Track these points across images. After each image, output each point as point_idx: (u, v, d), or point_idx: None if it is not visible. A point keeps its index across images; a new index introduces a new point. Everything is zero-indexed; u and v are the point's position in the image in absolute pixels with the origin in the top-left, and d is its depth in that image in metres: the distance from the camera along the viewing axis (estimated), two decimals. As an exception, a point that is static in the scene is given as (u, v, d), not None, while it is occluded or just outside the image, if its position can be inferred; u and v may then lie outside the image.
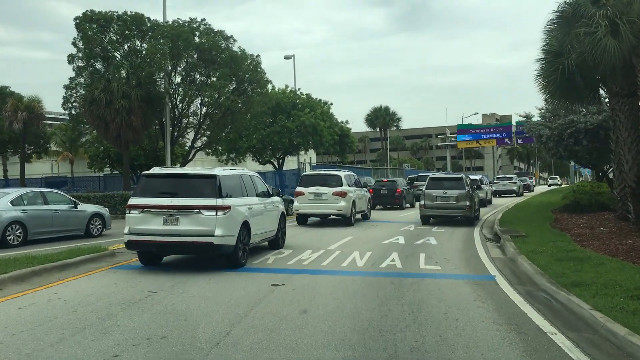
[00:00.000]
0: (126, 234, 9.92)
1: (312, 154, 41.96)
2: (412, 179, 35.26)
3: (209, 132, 28.34)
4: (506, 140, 66.91)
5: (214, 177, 9.89)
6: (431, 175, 21.97)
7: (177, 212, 9.49)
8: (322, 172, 21.01)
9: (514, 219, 19.69)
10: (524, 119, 24.16)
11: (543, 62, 14.32)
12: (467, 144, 69.55)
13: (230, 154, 36.61)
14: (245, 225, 10.36)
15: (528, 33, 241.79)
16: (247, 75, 25.86)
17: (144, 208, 9.68)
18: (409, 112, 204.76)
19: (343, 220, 18.95)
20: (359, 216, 20.68)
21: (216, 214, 9.46)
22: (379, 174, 41.67)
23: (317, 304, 7.31)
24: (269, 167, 38.62)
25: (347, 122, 38.25)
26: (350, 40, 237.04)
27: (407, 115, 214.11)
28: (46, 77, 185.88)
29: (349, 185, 19.32)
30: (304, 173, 20.96)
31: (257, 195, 11.75)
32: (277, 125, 33.95)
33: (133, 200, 9.96)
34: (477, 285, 8.62)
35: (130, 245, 10.03)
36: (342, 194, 18.62)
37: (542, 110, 23.66)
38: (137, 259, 10.95)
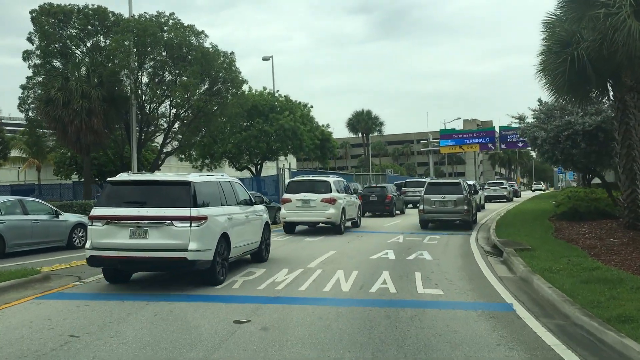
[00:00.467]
0: (88, 249, 8.81)
1: (292, 159, 40.03)
2: (399, 185, 34.25)
3: (180, 136, 26.26)
4: (489, 145, 65.89)
5: (187, 183, 8.88)
6: (429, 180, 22.35)
7: (146, 224, 8.52)
8: (311, 177, 20.05)
9: (510, 227, 18.14)
10: (516, 120, 22.68)
11: (548, 54, 12.71)
12: (450, 149, 68.36)
13: (205, 159, 34.57)
14: (225, 238, 9.41)
15: (506, 40, 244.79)
16: (220, 74, 23.89)
17: (108, 219, 8.67)
18: (390, 119, 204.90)
19: (332, 228, 18.10)
20: (349, 224, 19.84)
21: (190, 226, 8.49)
22: (361, 180, 40.02)
23: (291, 357, 5.46)
24: (246, 174, 36.67)
25: (328, 125, 36.66)
26: (331, 47, 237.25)
27: (388, 122, 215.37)
28: (12, 81, 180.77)
29: (338, 192, 18.51)
30: (292, 179, 19.81)
31: (238, 203, 10.74)
32: (254, 129, 32.06)
33: (96, 211, 8.89)
34: (494, 319, 6.84)
35: (92, 261, 8.87)
36: (332, 201, 17.81)
37: (536, 112, 22.17)
38: (75, 284, 9.07)
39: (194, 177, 9.32)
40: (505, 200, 42.53)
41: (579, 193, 25.50)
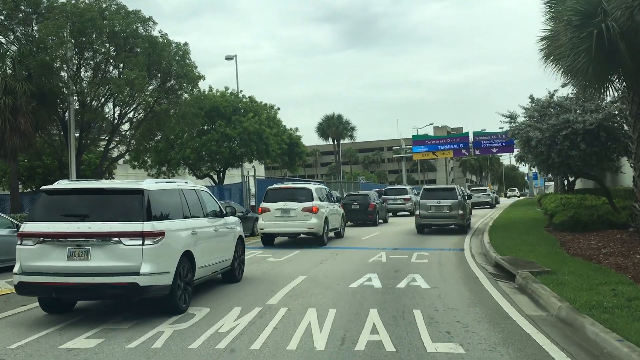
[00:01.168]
0: (16, 274, 7.22)
1: (259, 166, 36.97)
2: (379, 192, 32.20)
3: (129, 139, 23.10)
4: (463, 151, 64.17)
5: (140, 192, 7.45)
6: (425, 186, 22.76)
7: (88, 242, 7.06)
8: (291, 185, 18.75)
9: (507, 239, 15.70)
10: (505, 120, 20.29)
11: (566, 28, 10.23)
12: (423, 155, 66.41)
13: (162, 166, 31.37)
14: (188, 257, 8.03)
15: (471, 51, 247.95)
16: (172, 68, 20.87)
17: (41, 237, 7.19)
18: (359, 127, 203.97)
19: (314, 239, 16.95)
20: (332, 234, 18.68)
21: (143, 244, 7.08)
22: (332, 188, 37.39)
23: None
24: (208, 182, 33.54)
25: (296, 129, 33.80)
26: (299, 56, 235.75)
27: (358, 130, 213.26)
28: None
29: (320, 200, 17.33)
30: (270, 187, 18.18)
31: (206, 215, 9.27)
32: (215, 133, 29.06)
33: (26, 227, 7.39)
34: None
35: (21, 289, 7.26)
36: (313, 210, 16.58)
37: (528, 110, 19.88)
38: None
39: (149, 183, 7.78)
40: (488, 206, 42.61)
41: (572, 200, 23.37)
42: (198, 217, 8.84)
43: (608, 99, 16.89)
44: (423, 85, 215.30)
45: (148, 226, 7.13)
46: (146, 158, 31.04)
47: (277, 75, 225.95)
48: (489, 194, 44.76)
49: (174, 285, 7.42)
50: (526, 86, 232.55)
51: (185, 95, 23.52)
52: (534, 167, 42.02)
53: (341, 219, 19.74)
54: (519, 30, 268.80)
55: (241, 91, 32.08)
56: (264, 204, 17.14)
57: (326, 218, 17.23)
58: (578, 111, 18.37)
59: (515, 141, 21.04)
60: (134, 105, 21.36)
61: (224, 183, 32.22)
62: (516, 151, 64.17)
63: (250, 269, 11.88)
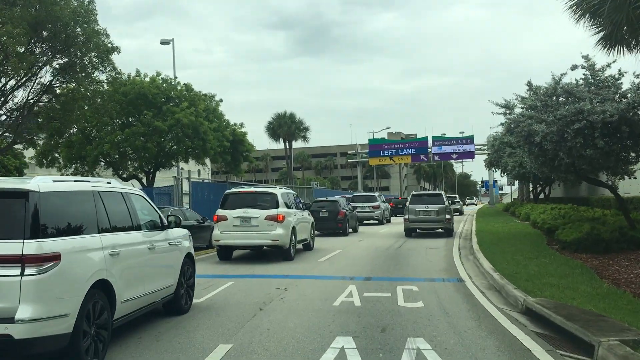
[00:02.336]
0: None
1: (195, 167, 31.73)
2: (347, 199, 29.10)
3: (18, 126, 17.76)
4: (422, 156, 61.01)
5: (23, 194, 5.17)
6: (414, 192, 23.62)
7: None
8: (252, 189, 16.92)
9: (512, 265, 11.62)
10: (499, 111, 16.22)
11: None
12: (379, 160, 62.86)
13: (77, 164, 25.90)
14: (104, 288, 5.72)
15: (422, 61, 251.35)
16: (71, 31, 15.72)
17: None
18: (312, 135, 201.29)
19: (280, 253, 14.78)
20: (300, 246, 16.36)
21: (22, 274, 4.85)
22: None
23: None
24: (136, 184, 28.20)
25: (241, 125, 28.93)
26: (252, 62, 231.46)
27: (311, 132, 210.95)
28: None
29: (287, 207, 15.21)
30: (228, 191, 15.86)
31: (138, 228, 6.86)
32: (141, 125, 23.94)
33: None
34: None
35: None
36: (279, 219, 14.41)
37: (528, 99, 15.91)
38: None
39: (42, 182, 5.43)
40: (458, 213, 42.28)
41: (570, 212, 19.73)
42: (125, 230, 6.60)
43: None
44: (376, 94, 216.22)
45: (31, 247, 4.93)
46: (57, 154, 25.55)
47: (230, 81, 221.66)
48: (459, 201, 44.72)
49: (77, 334, 5.20)
50: (473, 98, 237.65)
51: (97, 73, 18.43)
52: (504, 174, 39.09)
53: (311, 229, 17.38)
54: (465, 44, 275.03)
55: (176, 78, 27.08)
56: (220, 211, 14.78)
57: (294, 228, 15.00)
58: (598, 98, 14.50)
59: (503, 141, 16.91)
60: (21, 79, 16.03)
61: (155, 186, 27.00)
62: (483, 156, 61.56)
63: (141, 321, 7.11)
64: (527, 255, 13.19)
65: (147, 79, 25.75)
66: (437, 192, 24.13)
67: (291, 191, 17.70)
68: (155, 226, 7.49)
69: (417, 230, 21.89)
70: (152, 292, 6.97)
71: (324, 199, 25.96)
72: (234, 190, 15.96)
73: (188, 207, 22.77)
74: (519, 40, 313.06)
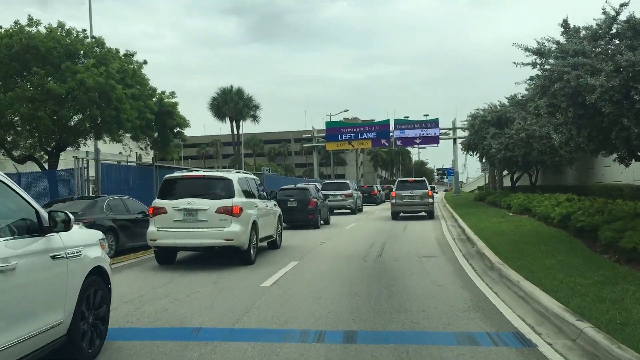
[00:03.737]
0: None
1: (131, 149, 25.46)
2: (317, 187, 25.30)
3: None
4: (383, 141, 56.43)
5: None
6: (399, 179, 27.07)
7: None
8: (201, 173, 12.60)
9: (597, 298, 6.68)
10: (528, 61, 11.22)
11: None
12: (337, 145, 57.91)
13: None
14: None
15: (374, 50, 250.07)
16: None
17: None
18: (265, 122, 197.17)
19: (236, 254, 11.22)
20: (264, 244, 13.19)
21: None
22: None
23: None
24: (32, 167, 21.94)
25: (172, 94, 23.02)
26: (203, 48, 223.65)
27: (263, 124, 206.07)
28: None
29: (246, 195, 11.88)
30: (168, 176, 12.09)
31: None
32: (29, 87, 17.83)
33: None
34: None
35: None
36: (234, 211, 10.95)
37: (571, 42, 10.94)
38: None
39: None
40: None
41: (585, 203, 15.18)
42: None
43: None
44: (329, 82, 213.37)
45: None
46: None
47: (181, 67, 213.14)
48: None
49: None
50: (424, 87, 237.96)
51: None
52: (483, 159, 34.79)
53: (277, 223, 14.36)
54: (416, 34, 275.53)
55: (84, 30, 20.84)
56: (158, 202, 11.52)
57: (254, 223, 11.85)
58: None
59: (537, 102, 11.86)
60: None
61: (59, 168, 20.84)
62: (448, 141, 57.44)
63: None
64: (586, 273, 8.34)
65: (44, 29, 19.53)
66: (420, 178, 25.45)
67: (252, 176, 13.85)
68: (29, 229, 4.61)
69: (401, 214, 24.32)
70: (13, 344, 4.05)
71: (292, 186, 23.02)
72: (176, 174, 12.30)
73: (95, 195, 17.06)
74: (468, 30, 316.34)
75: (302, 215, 20.45)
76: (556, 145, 13.45)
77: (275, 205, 14.65)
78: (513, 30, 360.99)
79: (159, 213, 11.20)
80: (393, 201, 23.96)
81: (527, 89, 11.50)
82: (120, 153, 23.88)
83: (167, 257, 11.60)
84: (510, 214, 21.10)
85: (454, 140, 55.59)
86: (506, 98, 28.89)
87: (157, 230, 11.13)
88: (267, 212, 13.27)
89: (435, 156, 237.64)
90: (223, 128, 44.09)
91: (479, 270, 10.09)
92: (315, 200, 20.91)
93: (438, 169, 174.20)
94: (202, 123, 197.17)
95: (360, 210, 31.77)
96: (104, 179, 18.87)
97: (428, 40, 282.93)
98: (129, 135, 21.37)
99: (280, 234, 14.57)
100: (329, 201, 25.38)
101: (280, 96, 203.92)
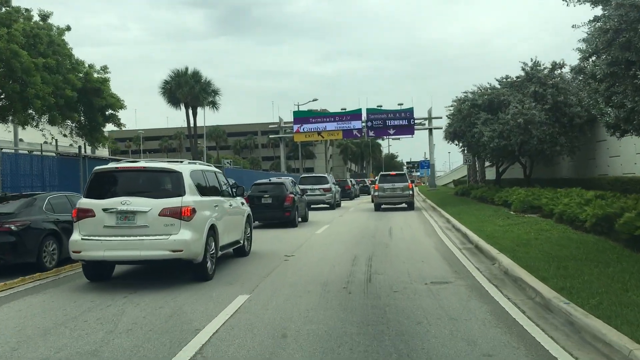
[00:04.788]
0: None
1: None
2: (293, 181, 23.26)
3: None
4: (355, 132, 52.84)
5: None
6: (382, 172, 28.57)
7: None
8: (142, 165, 9.25)
9: None
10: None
11: None
12: (306, 136, 54.08)
13: None
14: None
15: (343, 44, 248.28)
16: None
17: None
18: (232, 116, 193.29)
19: (189, 268, 8.84)
20: (230, 250, 10.78)
21: None
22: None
23: None
24: None
25: (104, 68, 18.61)
26: (170, 41, 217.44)
27: (231, 117, 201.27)
28: None
29: (200, 193, 9.26)
30: (98, 168, 9.24)
31: None
32: None
33: None
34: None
35: None
36: (184, 214, 8.50)
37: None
38: None
39: None
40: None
41: (609, 197, 11.86)
42: None
43: None
44: (299, 76, 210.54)
45: None
46: None
47: (146, 60, 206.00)
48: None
49: None
50: (395, 82, 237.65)
51: None
52: (465, 148, 31.60)
53: (245, 224, 11.69)
54: (386, 28, 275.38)
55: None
56: (84, 202, 8.74)
57: (213, 227, 9.18)
58: None
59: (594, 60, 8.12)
60: None
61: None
62: (424, 132, 54.21)
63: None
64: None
65: None
66: (401, 172, 27.66)
67: (212, 168, 11.08)
68: None
69: (382, 206, 25.51)
70: None
71: (266, 181, 21.06)
72: (109, 166, 9.58)
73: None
74: (437, 25, 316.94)
75: (278, 213, 18.62)
76: (606, 123, 9.92)
77: (243, 203, 12.13)
78: (481, 25, 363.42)
79: (84, 216, 8.59)
80: (376, 193, 25.37)
81: (587, 35, 7.98)
82: (46, 143, 19.47)
83: (100, 273, 9.07)
84: (512, 212, 17.72)
85: (430, 130, 52.44)
86: (497, 80, 25.59)
87: (82, 239, 8.51)
88: (232, 212, 10.79)
89: (404, 150, 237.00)
90: (169, 105, 39.65)
91: (529, 312, 6.46)
92: (292, 195, 19.05)
93: (408, 162, 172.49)
94: (166, 115, 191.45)
95: (338, 205, 30.53)
96: (8, 173, 14.66)
97: (398, 34, 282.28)
98: (44, 118, 17.05)
99: (249, 237, 12.09)
100: (307, 196, 24.17)
101: (249, 90, 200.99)
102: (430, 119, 52.11)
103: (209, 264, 8.88)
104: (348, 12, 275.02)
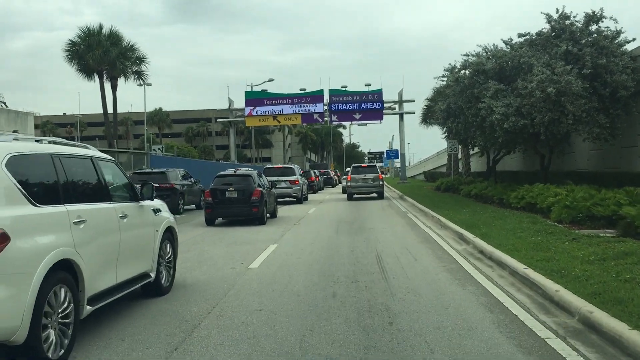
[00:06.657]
0: None
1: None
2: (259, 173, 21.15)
3: None
4: (316, 116, 46.11)
5: None
6: (354, 164, 30.33)
7: None
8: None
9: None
10: None
11: None
12: (259, 120, 47.03)
13: None
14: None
15: (304, 34, 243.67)
16: None
17: None
18: (187, 104, 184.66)
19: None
20: (138, 287, 6.96)
21: None
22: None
23: None
24: None
25: None
26: (125, 26, 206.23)
27: (185, 105, 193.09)
28: None
29: (34, 199, 4.75)
30: None
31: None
32: None
33: None
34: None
35: None
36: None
37: None
38: None
39: None
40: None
41: None
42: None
43: None
44: (259, 64, 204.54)
45: None
46: None
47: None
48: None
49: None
50: (351, 72, 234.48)
51: None
52: (445, 134, 25.65)
53: (162, 243, 7.36)
54: (346, 18, 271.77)
55: None
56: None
57: (70, 265, 4.98)
58: None
59: None
60: None
61: None
62: (394, 117, 48.04)
63: None
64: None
65: None
66: (372, 163, 32.50)
67: (88, 152, 6.15)
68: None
69: (355, 196, 27.61)
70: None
71: (231, 172, 19.30)
72: None
73: None
74: (396, 16, 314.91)
75: (244, 209, 17.23)
76: None
77: (159, 210, 7.57)
78: (439, 18, 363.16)
79: None
80: (348, 184, 27.32)
81: None
82: None
83: None
84: (556, 224, 11.48)
85: (401, 115, 46.19)
86: (504, 42, 19.20)
87: None
88: (128, 228, 6.36)
89: (365, 140, 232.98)
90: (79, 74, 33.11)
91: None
92: (260, 189, 17.59)
93: (369, 153, 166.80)
94: (78, 91, 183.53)
95: (305, 199, 28.80)
96: None
97: (358, 24, 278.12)
98: None
99: (171, 263, 7.65)
100: (280, 187, 24.05)
101: (207, 79, 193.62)
102: (401, 102, 45.86)
103: (52, 347, 4.51)
104: (308, 2, 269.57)
